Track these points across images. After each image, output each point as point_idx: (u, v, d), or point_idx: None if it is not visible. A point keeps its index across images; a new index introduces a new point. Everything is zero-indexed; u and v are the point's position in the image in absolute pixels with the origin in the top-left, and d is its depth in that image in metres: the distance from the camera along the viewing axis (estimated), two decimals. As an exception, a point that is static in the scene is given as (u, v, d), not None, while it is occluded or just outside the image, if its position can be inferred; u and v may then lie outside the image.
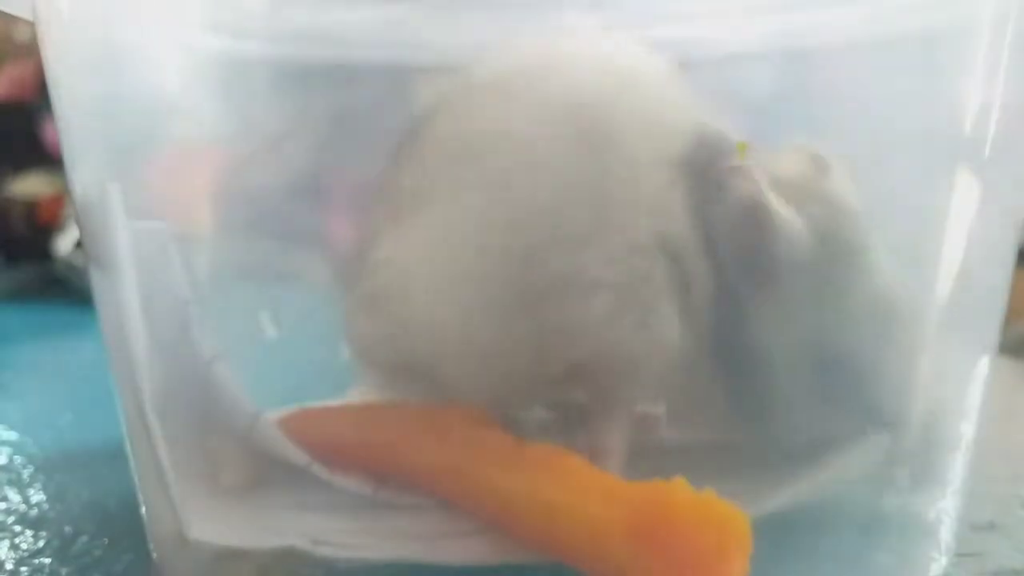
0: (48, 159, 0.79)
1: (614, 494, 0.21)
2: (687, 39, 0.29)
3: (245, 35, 0.27)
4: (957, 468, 0.25)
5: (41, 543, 0.28)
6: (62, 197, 0.78)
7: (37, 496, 0.32)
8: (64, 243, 0.75)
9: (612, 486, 0.22)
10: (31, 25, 0.26)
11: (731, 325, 0.24)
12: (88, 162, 0.26)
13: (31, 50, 0.83)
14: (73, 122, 0.25)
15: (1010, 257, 0.25)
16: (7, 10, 0.26)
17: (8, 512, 0.31)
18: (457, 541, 0.23)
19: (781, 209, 0.24)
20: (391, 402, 0.28)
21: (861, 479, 0.25)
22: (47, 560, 0.27)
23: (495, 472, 0.23)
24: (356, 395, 0.30)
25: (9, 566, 0.27)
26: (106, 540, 0.28)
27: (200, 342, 0.25)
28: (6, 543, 0.28)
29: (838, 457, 0.26)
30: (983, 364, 0.25)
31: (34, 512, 0.31)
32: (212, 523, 0.23)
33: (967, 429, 0.25)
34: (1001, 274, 0.25)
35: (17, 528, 0.29)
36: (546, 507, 0.22)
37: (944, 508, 0.25)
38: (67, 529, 0.29)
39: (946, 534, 0.25)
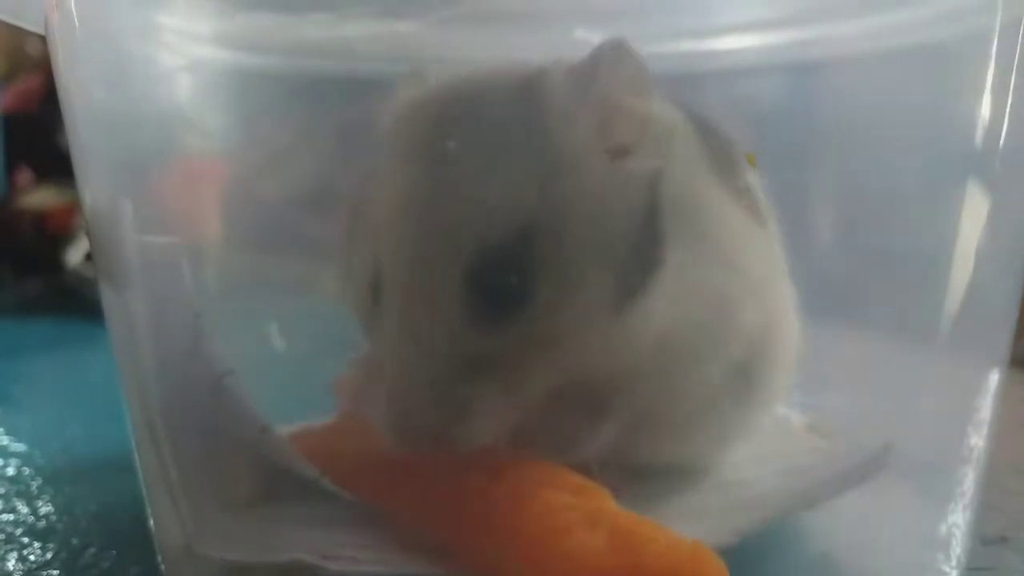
0: (67, 170, 0.79)
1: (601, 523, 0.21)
2: (697, 52, 0.30)
3: (254, 49, 0.28)
4: (968, 482, 0.25)
5: (49, 555, 0.28)
6: (72, 208, 0.78)
7: (45, 508, 0.32)
8: (74, 255, 0.75)
9: (604, 512, 0.21)
10: (42, 39, 0.26)
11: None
12: (99, 175, 0.26)
13: (42, 63, 0.84)
14: (84, 135, 0.25)
15: (1021, 270, 0.25)
16: (18, 24, 0.27)
17: (16, 524, 0.31)
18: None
19: None
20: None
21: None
22: (55, 572, 0.27)
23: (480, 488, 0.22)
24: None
25: (17, 578, 0.27)
26: (114, 552, 0.28)
27: (211, 356, 0.25)
28: (14, 555, 0.28)
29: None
30: (994, 377, 0.25)
31: (42, 524, 0.31)
32: (220, 538, 0.23)
33: (978, 442, 0.25)
34: (1012, 287, 0.25)
35: (25, 540, 0.29)
36: (527, 535, 0.21)
37: (955, 522, 0.25)
38: (75, 541, 0.29)
39: (957, 548, 0.25)
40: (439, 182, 0.21)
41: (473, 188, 0.20)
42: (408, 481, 0.23)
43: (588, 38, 0.29)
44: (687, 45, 0.30)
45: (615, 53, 0.21)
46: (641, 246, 0.20)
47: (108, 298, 0.25)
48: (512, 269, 0.20)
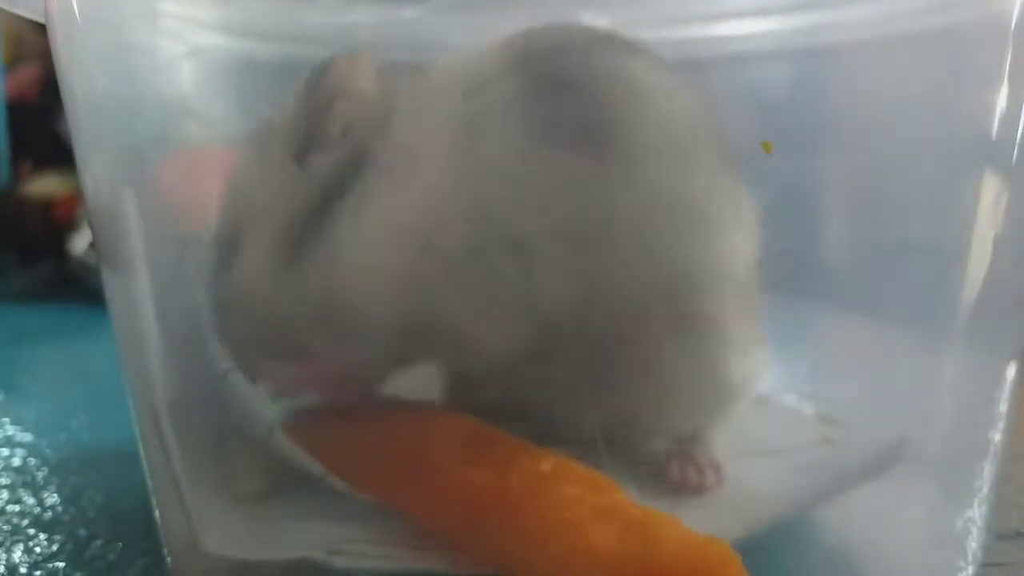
0: (66, 158, 0.79)
1: (613, 518, 0.21)
2: (704, 38, 0.29)
3: (257, 36, 0.27)
4: (984, 476, 0.25)
5: (55, 547, 0.28)
6: (77, 197, 0.78)
7: (51, 499, 0.32)
8: (79, 242, 0.75)
9: (615, 506, 0.21)
10: (43, 27, 0.26)
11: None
12: (100, 164, 0.25)
13: (44, 52, 0.83)
14: (85, 124, 0.25)
15: (1039, 261, 0.25)
16: (18, 11, 0.26)
17: (22, 515, 0.31)
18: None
19: None
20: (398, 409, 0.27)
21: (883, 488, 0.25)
22: (61, 564, 0.27)
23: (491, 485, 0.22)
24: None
25: (23, 570, 0.27)
26: (120, 544, 0.28)
27: (216, 349, 0.25)
28: (20, 546, 0.28)
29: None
30: (1011, 370, 0.25)
31: (48, 515, 0.31)
32: (226, 534, 0.23)
33: (995, 436, 0.24)
34: (1029, 278, 0.25)
35: (31, 531, 0.29)
36: (540, 530, 0.21)
37: (971, 517, 0.25)
38: (81, 532, 0.29)
39: (973, 543, 0.25)
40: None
41: (226, 191, 0.26)
42: (417, 476, 0.23)
43: (595, 23, 0.29)
44: (694, 30, 0.29)
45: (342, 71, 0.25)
46: (305, 227, 0.25)
47: (111, 288, 0.25)
48: (225, 246, 0.25)
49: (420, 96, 0.26)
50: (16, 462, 0.36)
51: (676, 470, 0.26)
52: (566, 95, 0.25)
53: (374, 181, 0.25)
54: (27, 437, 0.39)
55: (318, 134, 0.25)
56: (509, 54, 0.26)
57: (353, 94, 0.25)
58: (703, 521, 0.21)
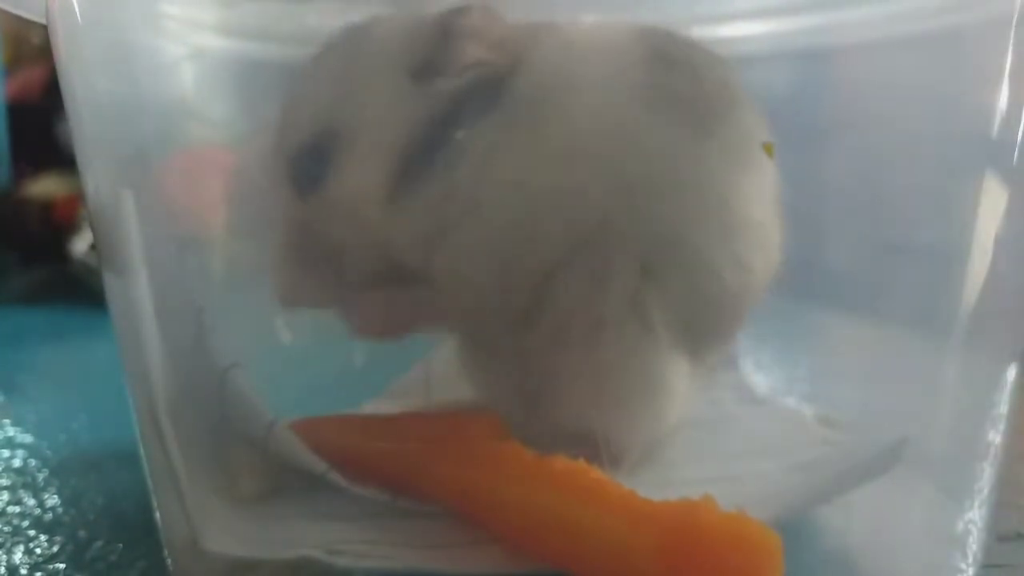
0: (64, 160, 0.79)
1: (640, 512, 0.21)
2: (709, 39, 0.29)
3: (259, 37, 0.27)
4: (985, 477, 0.25)
5: (56, 548, 0.28)
6: (78, 198, 0.78)
7: (52, 500, 0.32)
8: (80, 244, 0.75)
9: (638, 504, 0.21)
10: (45, 28, 0.26)
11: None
12: (101, 165, 0.25)
13: (47, 53, 0.83)
14: (86, 125, 0.25)
15: (1040, 263, 0.25)
16: (18, 12, 0.26)
17: (23, 516, 0.31)
18: (475, 550, 0.23)
19: None
20: (409, 413, 0.27)
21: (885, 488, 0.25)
22: (62, 565, 0.27)
23: (515, 487, 0.22)
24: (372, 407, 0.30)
25: (24, 571, 0.27)
26: (121, 545, 0.28)
27: (216, 349, 0.25)
28: (21, 548, 0.28)
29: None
30: (1012, 371, 0.25)
31: (49, 516, 0.31)
32: (227, 533, 0.23)
33: (995, 438, 0.24)
34: (1030, 279, 0.25)
35: (32, 533, 0.29)
36: (568, 524, 0.21)
37: (972, 518, 0.25)
38: (82, 534, 0.29)
39: (974, 545, 0.25)
40: (288, 99, 0.27)
41: (302, 101, 0.27)
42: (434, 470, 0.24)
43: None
44: (699, 32, 0.29)
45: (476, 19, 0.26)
46: (420, 150, 0.26)
47: (111, 289, 0.25)
48: (314, 155, 0.26)
49: (554, 52, 0.26)
50: (16, 463, 0.36)
51: None
52: (678, 68, 0.27)
53: (503, 125, 0.25)
54: (27, 438, 0.39)
55: (445, 62, 0.25)
56: (636, 29, 0.27)
57: (485, 36, 0.26)
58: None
